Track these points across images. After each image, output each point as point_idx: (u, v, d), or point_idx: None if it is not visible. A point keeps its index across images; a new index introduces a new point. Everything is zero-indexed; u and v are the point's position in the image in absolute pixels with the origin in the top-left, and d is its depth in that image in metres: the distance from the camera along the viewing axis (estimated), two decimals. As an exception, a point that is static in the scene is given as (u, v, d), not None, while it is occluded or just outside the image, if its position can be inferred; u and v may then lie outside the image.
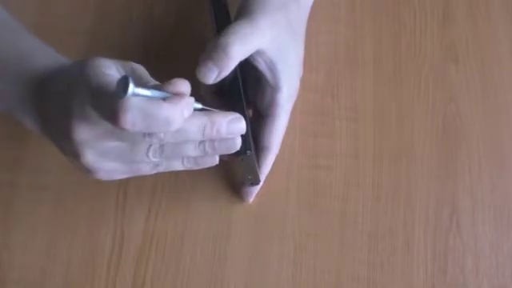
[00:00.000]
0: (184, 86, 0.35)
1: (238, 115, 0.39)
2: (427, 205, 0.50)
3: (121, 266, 0.48)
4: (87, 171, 0.39)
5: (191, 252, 0.48)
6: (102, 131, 0.36)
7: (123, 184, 0.50)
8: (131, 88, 0.32)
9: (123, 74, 0.37)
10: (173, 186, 0.50)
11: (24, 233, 0.49)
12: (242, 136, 0.41)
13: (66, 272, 0.48)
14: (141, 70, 0.38)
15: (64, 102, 0.37)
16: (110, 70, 0.36)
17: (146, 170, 0.40)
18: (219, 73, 0.41)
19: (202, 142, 0.39)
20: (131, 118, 0.33)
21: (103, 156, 0.38)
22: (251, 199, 0.49)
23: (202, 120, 0.37)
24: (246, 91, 0.48)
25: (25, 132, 0.52)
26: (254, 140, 0.47)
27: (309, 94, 0.53)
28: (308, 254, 0.48)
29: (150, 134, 0.36)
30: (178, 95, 0.35)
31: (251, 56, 0.44)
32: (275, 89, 0.46)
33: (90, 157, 0.37)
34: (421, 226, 0.49)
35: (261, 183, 0.49)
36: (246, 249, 0.48)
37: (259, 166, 0.48)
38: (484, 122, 0.52)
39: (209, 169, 0.50)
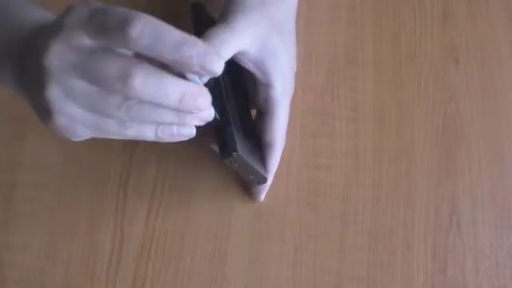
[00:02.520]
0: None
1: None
2: (427, 205, 0.50)
3: (121, 266, 0.48)
4: (45, 112, 0.35)
5: (191, 252, 0.48)
6: (79, 60, 0.33)
7: (123, 184, 0.50)
8: None
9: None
10: (173, 185, 0.50)
11: (24, 233, 0.49)
12: (227, 138, 0.41)
13: (66, 272, 0.48)
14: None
15: (44, 34, 0.35)
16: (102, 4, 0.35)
17: (113, 129, 0.36)
18: (200, 77, 0.39)
19: (177, 110, 0.36)
20: (141, 26, 0.32)
21: (69, 96, 0.34)
22: (262, 198, 0.49)
23: (182, 84, 0.35)
24: (247, 91, 0.48)
25: (25, 132, 0.52)
26: (259, 139, 0.47)
27: (309, 94, 0.53)
28: (308, 253, 0.48)
29: (127, 85, 0.33)
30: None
31: (236, 57, 0.44)
32: (267, 86, 0.46)
33: (54, 91, 0.34)
34: (421, 226, 0.49)
35: (269, 181, 0.49)
36: (246, 249, 0.48)
37: (265, 164, 0.48)
38: (484, 122, 0.52)
39: (209, 169, 0.51)
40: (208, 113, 0.38)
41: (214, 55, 0.34)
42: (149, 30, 0.32)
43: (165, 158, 0.51)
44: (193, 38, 0.34)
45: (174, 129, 0.37)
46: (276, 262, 0.48)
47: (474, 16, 0.56)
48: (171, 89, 0.34)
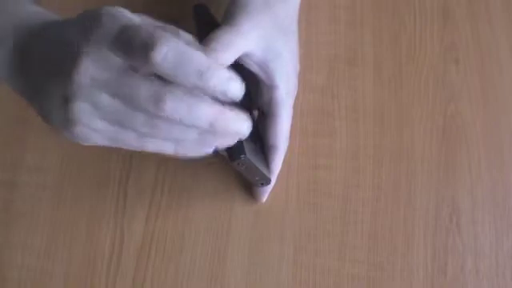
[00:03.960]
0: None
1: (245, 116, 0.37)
2: (427, 205, 0.50)
3: (121, 266, 0.48)
4: (66, 122, 0.35)
5: (191, 252, 0.48)
6: (108, 77, 0.34)
7: (123, 184, 0.50)
8: None
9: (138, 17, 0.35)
10: (173, 185, 0.50)
11: (24, 233, 0.49)
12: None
13: (65, 272, 0.48)
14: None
15: (70, 43, 0.35)
16: (128, 14, 0.35)
17: (133, 143, 0.36)
18: None
19: (204, 131, 0.36)
20: (165, 51, 0.32)
21: (94, 109, 0.34)
22: (264, 199, 0.49)
23: (215, 108, 0.35)
24: (249, 91, 0.48)
25: (25, 132, 0.52)
26: (262, 140, 0.47)
27: (309, 94, 0.53)
28: (308, 253, 0.48)
29: (159, 107, 0.33)
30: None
31: (241, 59, 0.44)
32: (271, 87, 0.46)
33: (80, 105, 0.34)
34: (421, 226, 0.49)
35: (272, 182, 0.49)
36: (246, 249, 0.48)
37: (269, 165, 0.48)
38: (484, 122, 0.52)
39: (209, 169, 0.51)
40: (231, 140, 0.38)
41: (235, 82, 0.35)
42: (172, 55, 0.32)
43: (165, 158, 0.51)
44: (216, 66, 0.34)
45: (194, 146, 0.38)
46: (276, 262, 0.48)
47: (474, 16, 0.56)
48: (203, 111, 0.34)
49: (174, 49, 0.32)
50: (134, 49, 0.33)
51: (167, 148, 0.37)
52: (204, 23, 0.49)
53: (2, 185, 0.50)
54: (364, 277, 0.48)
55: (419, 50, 0.55)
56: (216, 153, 0.40)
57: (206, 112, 0.35)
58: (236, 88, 0.35)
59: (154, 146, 0.37)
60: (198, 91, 0.34)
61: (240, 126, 0.36)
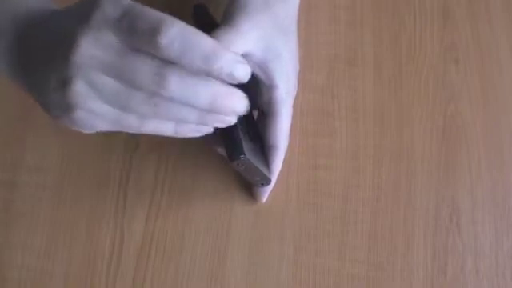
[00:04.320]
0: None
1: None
2: (427, 205, 0.50)
3: (121, 266, 0.48)
4: (65, 107, 0.35)
5: (191, 252, 0.48)
6: (109, 59, 0.33)
7: (123, 184, 0.50)
8: None
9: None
10: (173, 185, 0.50)
11: (24, 233, 0.49)
12: (234, 141, 0.41)
13: (65, 272, 0.48)
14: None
15: (70, 26, 0.34)
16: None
17: (134, 124, 0.36)
18: None
19: (204, 110, 0.36)
20: (172, 35, 0.32)
21: (93, 91, 0.34)
22: (264, 199, 0.49)
23: (215, 88, 0.35)
24: (248, 91, 0.48)
25: (25, 132, 0.52)
26: (262, 140, 0.48)
27: (309, 94, 0.53)
28: (308, 253, 0.48)
29: (162, 86, 0.33)
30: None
31: None
32: (271, 87, 0.46)
33: (79, 86, 0.34)
34: (421, 226, 0.49)
35: (273, 182, 0.49)
36: (246, 249, 0.48)
37: (269, 165, 0.48)
38: (484, 122, 0.52)
39: (209, 169, 0.51)
40: (229, 119, 0.38)
41: (242, 64, 0.35)
42: (179, 40, 0.32)
43: (165, 158, 0.51)
44: (222, 49, 0.34)
45: (193, 126, 0.38)
46: (276, 262, 0.48)
47: (474, 16, 0.56)
48: (202, 91, 0.35)
49: (180, 33, 0.32)
50: (138, 32, 0.32)
51: (167, 129, 0.37)
52: (203, 23, 0.49)
53: (2, 185, 0.50)
54: (364, 277, 0.48)
55: (419, 50, 0.55)
56: (215, 133, 0.40)
57: (207, 91, 0.35)
58: (242, 70, 0.35)
59: (153, 126, 0.36)
60: (203, 73, 0.34)
61: (237, 103, 0.37)
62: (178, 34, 0.32)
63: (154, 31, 0.32)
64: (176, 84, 0.34)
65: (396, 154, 0.51)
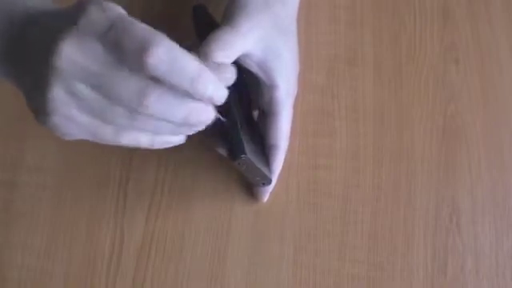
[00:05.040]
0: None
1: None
2: (427, 205, 0.50)
3: (121, 266, 0.48)
4: (42, 111, 0.34)
5: (191, 252, 0.48)
6: (91, 69, 0.33)
7: (123, 184, 0.50)
8: None
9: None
10: (173, 185, 0.50)
11: (24, 233, 0.49)
12: (235, 141, 0.41)
13: (66, 272, 0.48)
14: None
15: (55, 30, 0.34)
16: (120, 9, 0.34)
17: (109, 135, 0.36)
18: None
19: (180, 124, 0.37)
20: (159, 55, 0.32)
21: (72, 98, 0.34)
22: (265, 199, 0.49)
23: (191, 105, 0.35)
24: (249, 92, 0.48)
25: (25, 132, 0.52)
26: (262, 140, 0.47)
27: (309, 94, 0.53)
28: (308, 253, 0.48)
29: (142, 104, 0.33)
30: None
31: (240, 59, 0.44)
32: (272, 87, 0.46)
33: (57, 93, 0.33)
34: (421, 226, 0.49)
35: (273, 182, 0.49)
36: (246, 249, 0.48)
37: (270, 165, 0.48)
38: (484, 122, 0.52)
39: (209, 169, 0.51)
40: (202, 127, 0.38)
41: (221, 88, 0.36)
42: (166, 59, 0.32)
43: (165, 158, 0.51)
44: (207, 73, 0.34)
45: (167, 137, 0.38)
46: (276, 262, 0.48)
47: (474, 16, 0.56)
48: (179, 109, 0.35)
49: (167, 53, 0.32)
50: (125, 48, 0.32)
51: (143, 140, 0.37)
52: (203, 24, 0.49)
53: (2, 185, 0.50)
54: (364, 277, 0.48)
55: (419, 50, 0.55)
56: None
57: (182, 109, 0.35)
58: (222, 94, 0.36)
59: (128, 138, 0.36)
60: (186, 94, 0.34)
61: (207, 117, 0.37)
62: (165, 54, 0.32)
63: (141, 50, 0.32)
64: (156, 102, 0.34)
65: (396, 153, 0.51)
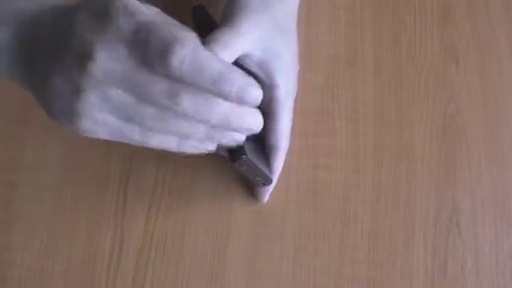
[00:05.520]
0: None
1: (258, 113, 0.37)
2: (427, 205, 0.50)
3: (121, 266, 0.48)
4: (71, 114, 0.35)
5: (191, 252, 0.48)
6: (123, 73, 0.33)
7: (123, 184, 0.50)
8: None
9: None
10: (173, 185, 0.50)
11: (24, 233, 0.49)
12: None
13: (66, 272, 0.48)
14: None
15: (79, 36, 0.34)
16: (142, 7, 0.34)
17: (135, 136, 0.36)
18: None
19: (213, 127, 0.37)
20: (182, 57, 0.32)
21: (103, 103, 0.34)
22: (265, 199, 0.49)
23: (228, 105, 0.35)
24: None
25: (25, 132, 0.52)
26: (262, 140, 0.48)
27: (309, 94, 0.53)
28: (308, 253, 0.48)
29: (176, 102, 0.33)
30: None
31: (240, 60, 0.44)
32: (272, 87, 0.46)
33: (91, 97, 0.34)
34: (421, 226, 0.49)
35: (274, 182, 0.49)
36: (246, 249, 0.48)
37: (270, 165, 0.48)
38: (484, 122, 0.52)
39: (209, 169, 0.51)
40: (239, 136, 0.38)
41: (252, 87, 0.35)
42: (189, 61, 0.32)
43: (165, 158, 0.51)
44: (233, 73, 0.34)
45: (195, 142, 0.38)
46: (276, 262, 0.48)
47: (474, 16, 0.56)
48: (216, 108, 0.35)
49: (191, 54, 0.32)
50: (150, 50, 0.32)
51: (170, 143, 0.37)
52: (203, 24, 0.49)
53: (2, 185, 0.50)
54: (364, 277, 0.48)
55: (419, 50, 0.55)
56: (217, 151, 0.40)
57: (220, 108, 0.35)
58: (253, 93, 0.35)
59: (157, 140, 0.37)
60: (214, 94, 0.34)
61: (253, 120, 0.37)
62: (188, 55, 0.32)
63: (165, 51, 0.32)
64: (189, 100, 0.34)
65: (396, 154, 0.51)
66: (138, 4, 0.35)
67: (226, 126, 0.36)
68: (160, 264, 0.48)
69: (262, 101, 0.46)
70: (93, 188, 0.50)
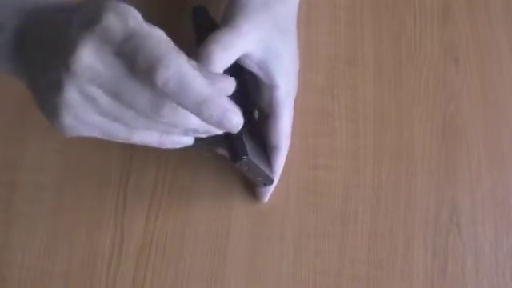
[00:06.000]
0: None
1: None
2: (427, 205, 0.50)
3: (121, 266, 0.48)
4: (55, 110, 0.35)
5: (191, 252, 0.48)
6: (108, 76, 0.33)
7: (123, 184, 0.50)
8: None
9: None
10: (173, 185, 0.50)
11: (24, 233, 0.49)
12: (236, 142, 0.41)
13: (66, 272, 0.48)
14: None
15: (69, 31, 0.34)
16: (138, 15, 0.34)
17: (121, 134, 0.36)
18: None
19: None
20: (168, 76, 0.32)
21: (86, 100, 0.34)
22: (266, 199, 0.49)
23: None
24: (248, 92, 0.48)
25: (25, 132, 0.52)
26: (263, 140, 0.47)
27: (309, 94, 0.53)
28: (308, 253, 0.48)
29: (157, 113, 0.34)
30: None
31: (240, 60, 0.44)
32: (272, 87, 0.46)
33: (71, 93, 0.33)
34: (421, 226, 0.49)
35: (275, 182, 0.49)
36: (246, 249, 0.48)
37: (271, 165, 0.48)
38: (484, 122, 0.52)
39: (209, 169, 0.51)
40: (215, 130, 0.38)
41: (233, 114, 0.35)
42: (173, 83, 0.32)
43: (165, 158, 0.51)
44: (215, 98, 0.34)
45: (176, 137, 0.38)
46: (276, 262, 0.48)
47: (473, 16, 0.56)
48: (194, 119, 0.35)
49: (176, 74, 0.32)
50: (136, 63, 0.32)
51: (153, 139, 0.37)
52: (203, 25, 0.49)
53: (2, 185, 0.50)
54: (364, 277, 0.48)
55: (419, 50, 0.55)
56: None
57: (197, 120, 0.35)
58: (233, 120, 0.35)
59: (140, 137, 0.37)
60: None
61: (234, 125, 0.36)
62: (173, 76, 0.32)
63: (151, 68, 0.32)
64: (171, 112, 0.34)
65: (396, 154, 0.51)
66: (134, 11, 0.34)
67: (207, 132, 0.37)
68: (160, 264, 0.48)
69: (263, 101, 0.47)
70: (93, 188, 0.50)
